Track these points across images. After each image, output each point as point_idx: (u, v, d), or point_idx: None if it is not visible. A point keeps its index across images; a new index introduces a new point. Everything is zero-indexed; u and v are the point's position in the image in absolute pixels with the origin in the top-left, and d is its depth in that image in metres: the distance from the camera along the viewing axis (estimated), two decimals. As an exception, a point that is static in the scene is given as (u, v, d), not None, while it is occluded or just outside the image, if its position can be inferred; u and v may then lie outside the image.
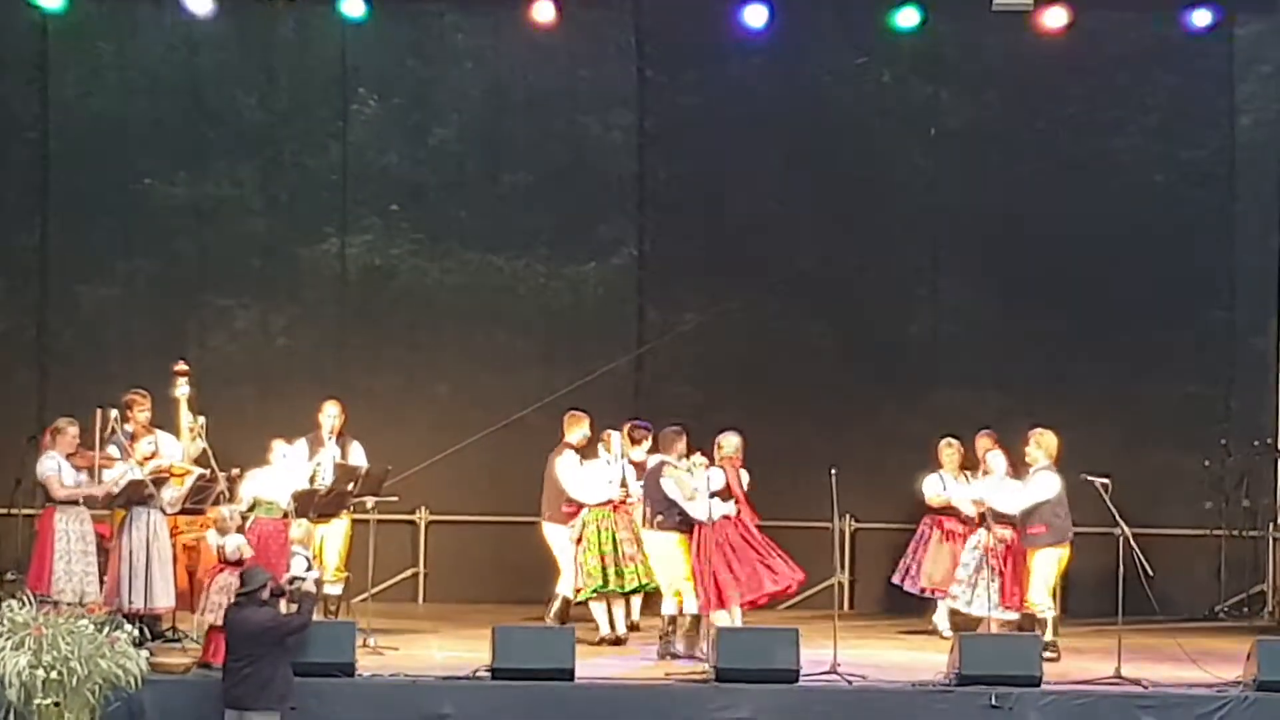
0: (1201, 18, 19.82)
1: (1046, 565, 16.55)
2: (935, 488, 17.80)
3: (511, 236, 20.22)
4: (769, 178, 20.22)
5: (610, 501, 17.11)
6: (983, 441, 17.55)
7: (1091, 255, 19.98)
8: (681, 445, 16.48)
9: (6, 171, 19.83)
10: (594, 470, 17.20)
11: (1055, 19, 19.63)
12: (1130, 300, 20.00)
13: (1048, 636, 16.28)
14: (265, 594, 14.02)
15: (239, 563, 15.07)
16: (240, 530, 15.55)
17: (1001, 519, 16.90)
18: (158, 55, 19.87)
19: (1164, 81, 20.29)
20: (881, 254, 20.25)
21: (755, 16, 19.65)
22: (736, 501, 16.28)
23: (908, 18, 19.72)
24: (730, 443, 16.52)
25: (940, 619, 17.72)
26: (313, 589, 15.32)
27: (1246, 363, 20.29)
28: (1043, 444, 16.73)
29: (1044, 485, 16.62)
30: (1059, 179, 20.10)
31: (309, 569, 15.59)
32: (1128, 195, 20.16)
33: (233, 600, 14.22)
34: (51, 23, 19.59)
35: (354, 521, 16.98)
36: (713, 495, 16.03)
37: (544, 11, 19.59)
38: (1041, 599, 16.58)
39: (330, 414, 17.38)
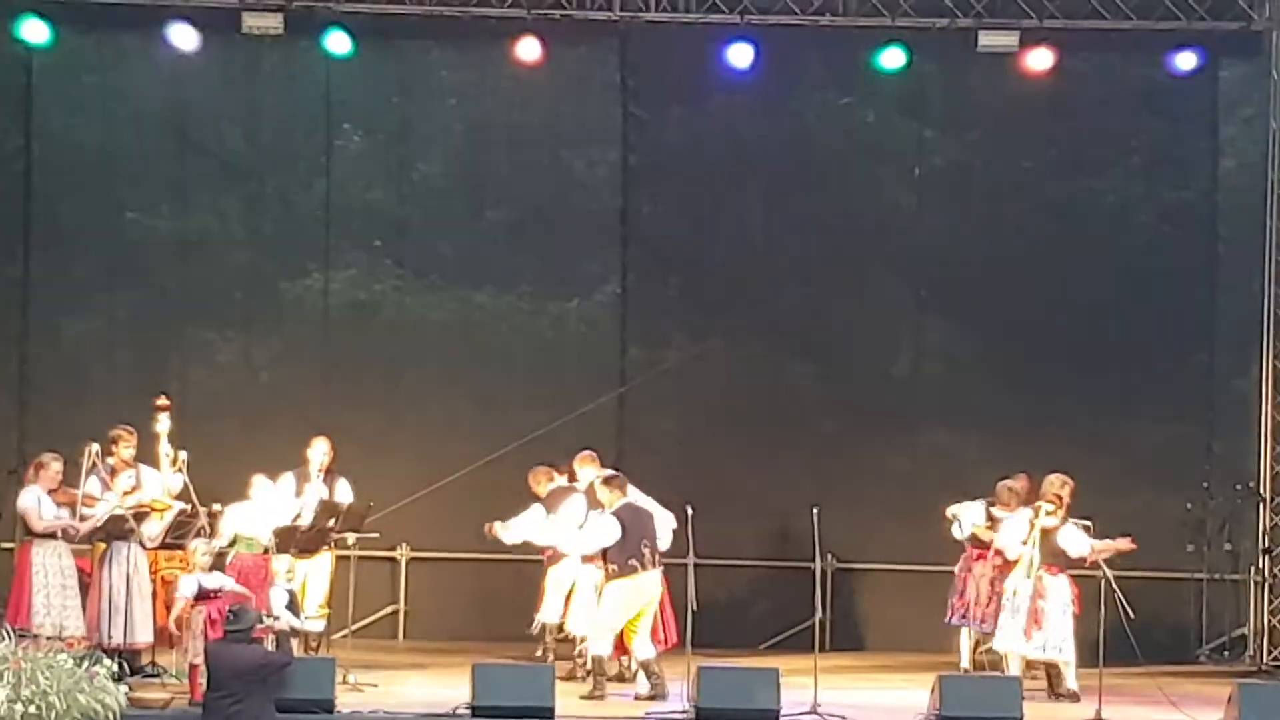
0: (1186, 61, 19.82)
1: None
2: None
3: (494, 272, 20.20)
4: (753, 215, 20.26)
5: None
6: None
7: (1074, 296, 19.99)
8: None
9: (-10, 203, 19.83)
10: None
11: (1040, 61, 19.65)
12: (1112, 341, 19.98)
13: None
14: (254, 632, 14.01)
15: (208, 596, 15.02)
16: (209, 569, 15.50)
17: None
18: (142, 89, 19.86)
19: (1148, 124, 20.34)
20: (864, 293, 20.24)
21: (740, 55, 19.63)
22: None
23: (893, 58, 19.72)
24: None
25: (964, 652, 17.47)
26: (287, 627, 15.28)
27: (1228, 406, 20.26)
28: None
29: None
30: (1042, 220, 20.14)
31: (289, 605, 15.58)
32: (1111, 236, 20.19)
33: (219, 635, 14.18)
34: (37, 56, 19.57)
35: (338, 558, 16.94)
36: None
37: (529, 49, 19.58)
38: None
39: (320, 450, 17.30)
